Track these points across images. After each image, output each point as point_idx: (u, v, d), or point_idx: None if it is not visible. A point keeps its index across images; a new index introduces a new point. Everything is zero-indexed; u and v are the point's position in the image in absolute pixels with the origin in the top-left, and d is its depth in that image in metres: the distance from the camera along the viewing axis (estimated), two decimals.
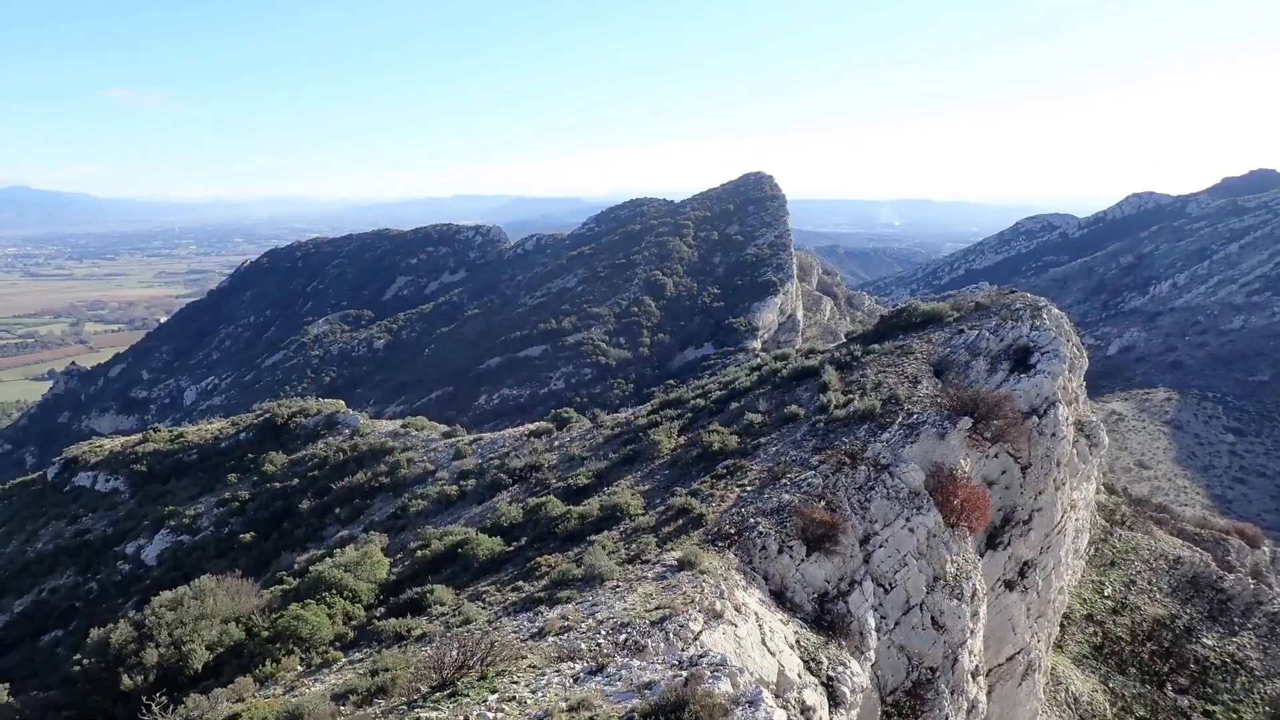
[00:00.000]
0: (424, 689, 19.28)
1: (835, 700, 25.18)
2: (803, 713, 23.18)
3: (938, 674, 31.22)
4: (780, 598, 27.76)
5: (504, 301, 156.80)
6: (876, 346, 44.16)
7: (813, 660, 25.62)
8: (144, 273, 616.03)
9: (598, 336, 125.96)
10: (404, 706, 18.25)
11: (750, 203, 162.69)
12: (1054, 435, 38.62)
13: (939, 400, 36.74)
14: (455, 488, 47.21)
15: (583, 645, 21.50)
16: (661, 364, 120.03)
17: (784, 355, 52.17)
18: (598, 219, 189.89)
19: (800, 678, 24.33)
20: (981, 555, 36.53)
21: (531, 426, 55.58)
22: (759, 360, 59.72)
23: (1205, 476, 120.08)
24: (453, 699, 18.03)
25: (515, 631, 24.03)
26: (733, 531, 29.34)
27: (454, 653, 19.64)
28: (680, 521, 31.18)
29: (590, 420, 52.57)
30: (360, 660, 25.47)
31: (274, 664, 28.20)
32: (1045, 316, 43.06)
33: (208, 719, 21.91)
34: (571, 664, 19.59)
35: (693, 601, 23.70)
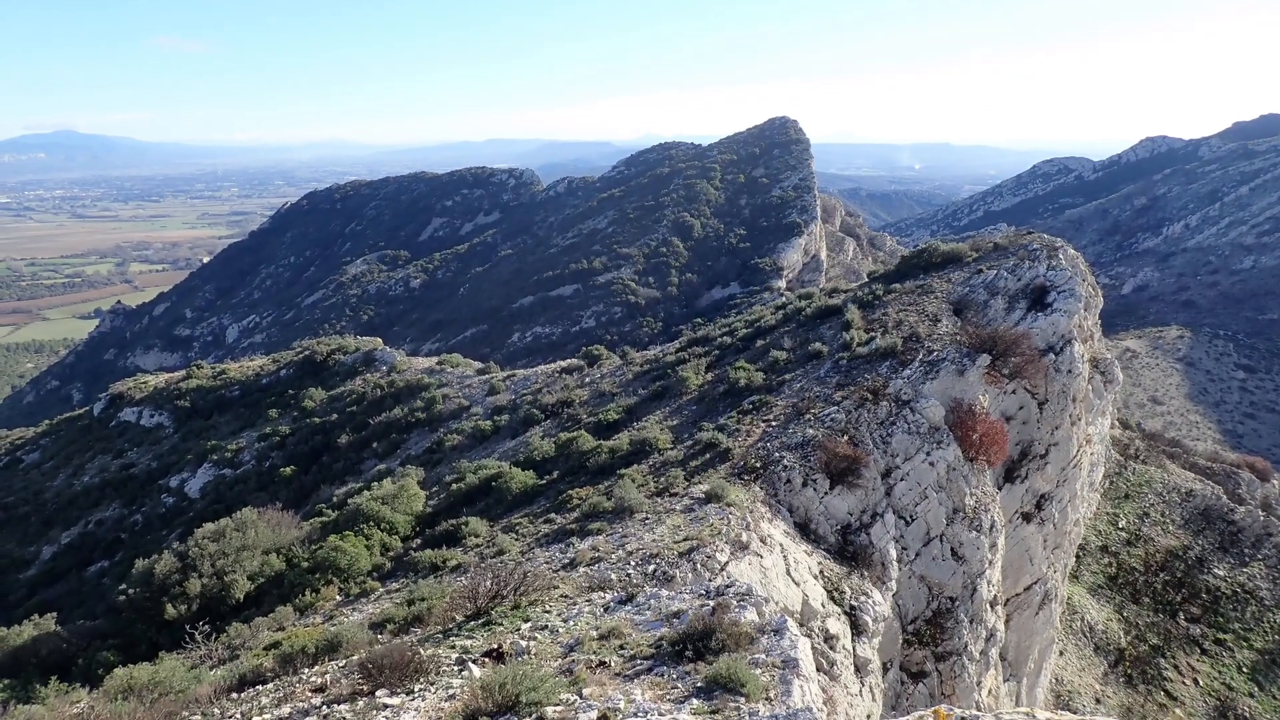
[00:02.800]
0: (459, 618, 19.16)
1: (858, 629, 25.11)
2: (826, 641, 23.09)
3: (957, 603, 31.12)
4: (804, 530, 27.63)
5: (536, 242, 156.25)
6: (898, 286, 43.79)
7: (836, 590, 25.53)
8: (188, 214, 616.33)
9: (627, 276, 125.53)
10: (439, 635, 18.12)
11: (775, 146, 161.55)
12: (1070, 372, 38.22)
13: (958, 338, 36.40)
14: (489, 423, 47.16)
15: (613, 575, 21.42)
16: (689, 303, 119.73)
17: (808, 294, 51.93)
18: (627, 162, 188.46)
19: (824, 607, 24.23)
20: (1000, 488, 36.33)
21: (563, 363, 55.39)
22: (784, 299, 59.32)
23: (1216, 412, 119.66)
24: (487, 628, 17.94)
25: (547, 562, 24.04)
26: (758, 465, 29.21)
27: (488, 583, 19.52)
28: (707, 455, 31.10)
29: (620, 357, 52.29)
30: (397, 590, 25.49)
31: (313, 594, 28.38)
32: (1061, 257, 42.52)
33: (249, 647, 21.83)
34: (602, 594, 19.47)
35: (719, 533, 23.59)
